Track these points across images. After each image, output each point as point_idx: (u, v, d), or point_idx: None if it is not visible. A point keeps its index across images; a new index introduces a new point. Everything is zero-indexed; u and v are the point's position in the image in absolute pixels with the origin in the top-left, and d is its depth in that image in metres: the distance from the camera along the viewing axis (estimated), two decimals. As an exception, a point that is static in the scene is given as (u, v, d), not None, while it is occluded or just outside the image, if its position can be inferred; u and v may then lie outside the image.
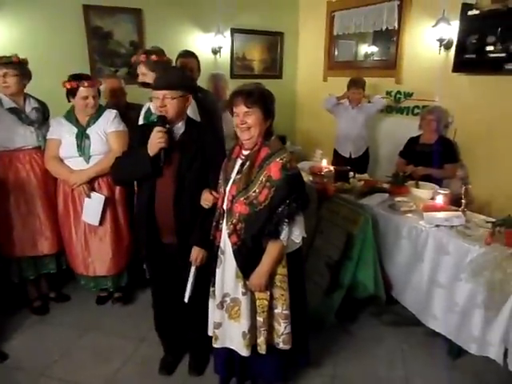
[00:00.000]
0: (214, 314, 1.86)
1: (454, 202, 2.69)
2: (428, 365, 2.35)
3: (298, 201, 1.62)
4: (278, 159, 1.63)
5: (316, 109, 5.07)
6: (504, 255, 1.94)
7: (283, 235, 1.62)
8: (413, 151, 3.54)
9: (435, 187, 2.85)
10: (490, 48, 3.19)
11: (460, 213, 2.35)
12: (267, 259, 1.65)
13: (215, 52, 4.82)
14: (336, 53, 4.97)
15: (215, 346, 1.87)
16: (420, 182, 2.94)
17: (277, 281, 1.72)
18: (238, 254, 1.67)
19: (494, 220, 2.08)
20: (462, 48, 3.35)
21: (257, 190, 1.63)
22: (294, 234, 1.67)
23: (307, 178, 3.27)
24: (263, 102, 1.68)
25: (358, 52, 4.80)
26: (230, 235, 1.69)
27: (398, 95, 4.12)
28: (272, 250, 1.65)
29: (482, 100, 3.38)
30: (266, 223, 1.60)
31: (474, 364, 2.28)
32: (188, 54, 2.91)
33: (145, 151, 1.79)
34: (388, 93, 4.21)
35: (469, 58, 3.29)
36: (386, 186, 2.94)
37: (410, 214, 2.51)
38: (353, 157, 4.04)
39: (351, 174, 3.21)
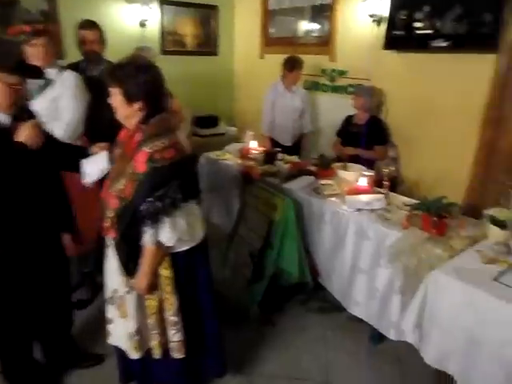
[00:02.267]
0: (107, 308, 1.67)
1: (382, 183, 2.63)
2: (350, 352, 2.30)
3: (165, 199, 1.38)
4: (146, 148, 1.39)
5: (253, 88, 4.88)
6: (419, 240, 1.87)
7: (147, 238, 1.42)
8: (347, 131, 3.47)
9: (362, 169, 2.76)
10: (417, 24, 3.12)
11: (381, 196, 2.27)
12: (142, 260, 1.45)
13: (142, 25, 4.44)
14: (273, 29, 4.75)
15: (108, 341, 1.71)
16: (348, 164, 2.84)
17: (161, 283, 1.53)
18: (117, 249, 1.46)
19: (411, 203, 2.00)
20: (392, 24, 3.25)
21: (124, 183, 1.41)
22: (164, 237, 1.45)
23: (235, 161, 3.10)
24: (124, 81, 1.40)
25: (295, 28, 4.61)
26: (108, 229, 1.47)
27: (333, 73, 4.00)
28: (144, 251, 1.45)
29: (412, 78, 3.33)
30: (130, 221, 1.38)
31: (396, 349, 2.25)
32: (87, 25, 2.57)
33: None
34: (323, 71, 4.08)
35: (398, 35, 3.21)
36: (314, 168, 2.82)
37: (333, 198, 2.40)
38: (291, 141, 3.86)
39: (279, 156, 3.06)
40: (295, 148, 3.81)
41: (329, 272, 2.48)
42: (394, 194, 2.47)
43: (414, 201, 2.36)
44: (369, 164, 3.30)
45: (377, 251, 2.09)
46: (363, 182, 2.39)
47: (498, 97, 2.70)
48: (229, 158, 3.21)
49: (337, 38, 3.89)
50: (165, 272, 1.52)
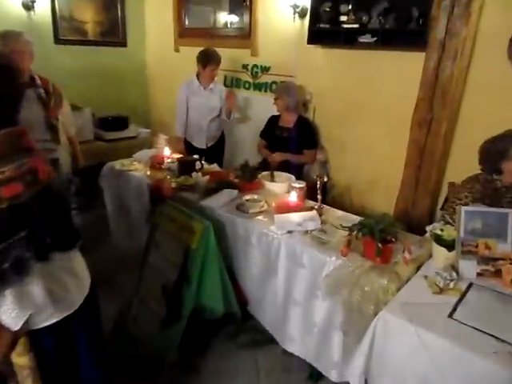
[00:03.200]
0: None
1: (313, 189, 2.35)
2: (287, 396, 1.97)
3: (3, 262, 0.91)
4: None
5: (169, 84, 4.35)
6: (362, 269, 1.59)
7: None
8: (273, 134, 3.15)
9: (291, 178, 2.45)
10: (343, 18, 2.88)
11: (315, 214, 1.96)
12: None
13: (28, 7, 3.69)
14: (188, 19, 4.28)
15: None
16: (275, 173, 2.51)
17: (18, 374, 1.04)
18: None
19: (349, 225, 1.72)
20: (315, 17, 2.97)
21: None
22: (5, 318, 0.99)
23: (145, 172, 2.61)
24: None
25: (212, 18, 4.19)
26: None
27: (255, 69, 3.65)
28: None
29: (339, 76, 3.10)
30: None
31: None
32: None
33: None
34: (244, 66, 3.71)
35: (323, 28, 2.94)
36: (237, 179, 2.44)
37: (260, 217, 2.05)
38: (208, 145, 3.45)
39: (198, 164, 2.64)
40: (213, 152, 3.41)
41: (259, 301, 2.13)
42: (328, 208, 2.19)
43: (350, 216, 2.10)
44: (298, 169, 3.04)
45: (313, 281, 1.78)
46: (293, 197, 2.06)
47: (426, 97, 2.54)
48: (137, 168, 2.71)
49: (258, 31, 3.55)
50: (20, 360, 1.04)
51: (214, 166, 2.79)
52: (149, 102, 4.84)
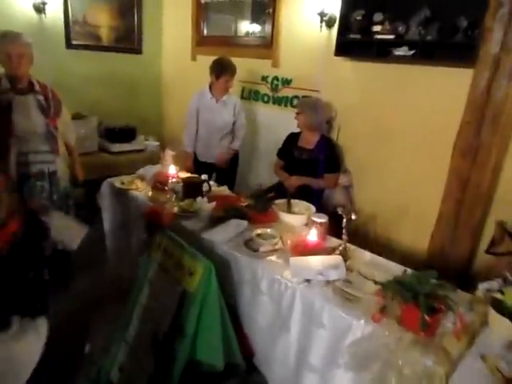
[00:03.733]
0: None
1: (336, 218, 2.02)
2: None
3: None
4: None
5: (184, 94, 4.08)
6: (400, 343, 1.23)
7: None
8: (290, 154, 2.83)
9: (311, 209, 2.11)
10: (376, 28, 2.55)
11: (339, 259, 1.61)
12: None
13: (39, 10, 3.50)
14: (207, 26, 4.03)
15: None
16: (293, 201, 2.18)
17: None
18: None
19: (383, 280, 1.36)
20: (345, 26, 2.65)
21: None
22: None
23: (146, 192, 2.32)
24: None
25: (232, 26, 3.93)
26: None
27: (275, 82, 3.35)
28: None
29: (369, 92, 2.76)
30: None
31: None
32: None
33: None
34: (264, 78, 3.42)
35: (353, 39, 2.62)
36: (247, 207, 2.11)
37: (273, 257, 1.71)
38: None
39: (206, 186, 2.33)
40: (224, 170, 3.11)
41: (267, 357, 1.78)
42: (354, 248, 1.83)
43: (381, 262, 1.74)
44: (317, 194, 2.71)
45: (334, 346, 1.43)
46: (313, 236, 1.72)
47: (474, 120, 2.18)
48: (138, 187, 2.42)
49: (280, 40, 3.25)
50: None
51: (224, 189, 2.47)
52: (162, 113, 4.59)
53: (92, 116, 3.38)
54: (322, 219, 1.80)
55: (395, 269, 1.66)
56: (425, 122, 2.50)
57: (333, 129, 2.98)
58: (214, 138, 3.04)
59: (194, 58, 4.09)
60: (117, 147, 3.38)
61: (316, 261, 1.59)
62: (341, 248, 1.71)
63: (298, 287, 1.52)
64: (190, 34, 4.06)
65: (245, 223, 1.92)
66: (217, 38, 3.92)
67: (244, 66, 3.47)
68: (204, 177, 2.50)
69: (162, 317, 1.72)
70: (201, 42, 4.02)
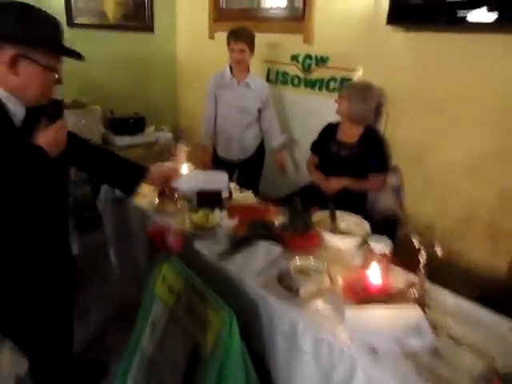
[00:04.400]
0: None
1: (383, 227, 1.54)
2: None
3: None
4: None
5: (203, 78, 3.58)
6: None
7: None
8: (327, 149, 2.32)
9: (363, 225, 1.60)
10: (444, -13, 1.98)
11: (419, 314, 1.11)
12: None
13: (35, -18, 3.04)
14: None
15: None
16: (338, 214, 1.67)
17: None
18: None
19: (497, 367, 0.87)
20: (401, -13, 2.09)
21: None
22: None
23: (152, 200, 1.87)
24: None
25: (255, -2, 3.39)
26: None
27: (308, 61, 2.81)
28: None
29: (429, 71, 2.20)
30: None
31: None
32: None
33: None
34: (294, 57, 2.88)
35: (413, 3, 2.05)
36: (279, 221, 1.63)
37: (319, 303, 1.23)
38: (240, 158, 2.67)
39: (225, 194, 1.85)
40: (248, 169, 2.64)
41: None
42: (433, 288, 1.31)
43: (472, 308, 1.23)
44: (359, 199, 2.22)
45: None
46: (376, 277, 1.22)
47: None
48: (143, 192, 1.96)
49: (314, 10, 2.69)
50: None
51: (248, 195, 1.98)
52: (177, 99, 4.10)
53: (95, 104, 2.92)
54: (385, 247, 1.30)
55: (494, 323, 1.16)
56: (505, 106, 1.93)
57: (380, 118, 2.44)
58: (236, 129, 2.55)
59: (211, 36, 3.57)
60: (123, 140, 2.92)
61: (385, 317, 1.09)
62: (415, 291, 1.21)
63: (360, 359, 1.04)
64: (207, 8, 3.54)
65: (277, 250, 1.44)
66: (237, 12, 3.39)
67: (270, 43, 2.96)
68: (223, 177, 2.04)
69: (168, 375, 1.28)
70: (219, 17, 3.50)
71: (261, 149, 2.70)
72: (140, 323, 1.47)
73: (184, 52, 3.95)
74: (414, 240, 1.19)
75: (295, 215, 1.46)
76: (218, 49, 3.42)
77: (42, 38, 1.10)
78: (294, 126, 2.96)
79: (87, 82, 3.27)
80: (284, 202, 1.76)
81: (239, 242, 1.50)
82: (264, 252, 1.44)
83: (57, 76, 1.18)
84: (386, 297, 1.20)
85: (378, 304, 1.17)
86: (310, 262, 1.35)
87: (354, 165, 2.20)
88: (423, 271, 1.19)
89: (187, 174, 1.98)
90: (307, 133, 2.68)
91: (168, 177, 1.68)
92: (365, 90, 2.12)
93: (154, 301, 1.43)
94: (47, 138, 1.15)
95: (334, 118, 2.36)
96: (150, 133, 3.08)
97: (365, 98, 2.08)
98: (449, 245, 2.29)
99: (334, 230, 1.57)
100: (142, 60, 3.72)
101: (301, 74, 2.86)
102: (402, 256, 1.40)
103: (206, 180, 1.85)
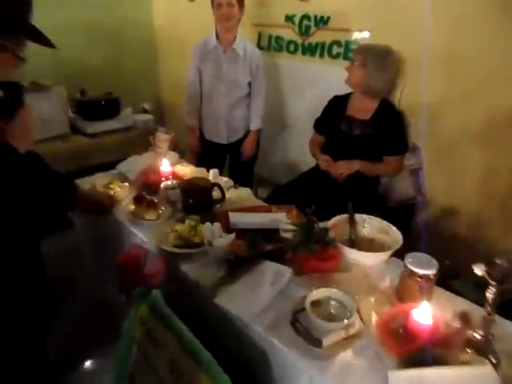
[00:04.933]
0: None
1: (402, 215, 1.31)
2: None
3: None
4: None
5: (185, 45, 3.14)
6: None
7: None
8: (334, 127, 1.97)
9: (390, 230, 1.28)
10: None
11: (490, 372, 0.80)
12: None
13: None
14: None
15: None
16: (359, 218, 1.34)
17: None
18: None
19: None
20: None
21: None
22: None
23: (127, 205, 1.53)
24: None
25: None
26: None
27: (306, 22, 2.39)
28: None
29: (458, 29, 1.83)
30: None
31: None
32: None
33: None
34: (289, 18, 2.46)
35: None
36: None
37: (348, 354, 0.92)
38: (231, 141, 2.31)
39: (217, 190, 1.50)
40: (239, 152, 2.30)
41: None
42: (501, 323, 1.00)
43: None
44: (372, 184, 1.91)
45: None
46: (426, 316, 0.91)
47: None
48: (118, 195, 1.61)
49: (312, -41, 2.26)
50: None
51: (245, 192, 1.64)
52: (157, 72, 3.66)
53: (59, 85, 2.48)
54: (430, 269, 0.98)
55: None
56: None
57: (395, 88, 2.07)
58: (223, 107, 2.19)
59: (191, -2, 3.10)
60: (95, 126, 2.50)
61: (440, 373, 0.78)
62: (481, 337, 0.90)
63: None
64: (185, -36, 3.05)
65: (287, 273, 1.11)
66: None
67: (260, 1, 2.53)
68: (214, 172, 1.70)
69: None
70: (199, -26, 3.01)
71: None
72: (117, 369, 1.16)
73: (162, 17, 3.48)
74: (475, 269, 0.87)
75: (311, 233, 1.12)
76: (199, 13, 2.97)
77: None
78: (291, 101, 2.58)
79: (48, 58, 2.80)
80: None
81: (236, 263, 1.17)
82: (270, 278, 1.11)
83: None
84: (436, 343, 0.89)
85: (429, 354, 0.86)
86: (333, 290, 1.03)
87: (367, 145, 1.88)
88: (491, 308, 0.87)
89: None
90: (308, 108, 2.33)
91: (101, 205, 1.46)
92: (384, 56, 1.75)
93: (132, 344, 1.12)
94: (13, 132, 1.00)
95: (339, 89, 2.01)
96: (126, 116, 2.66)
97: (384, 66, 1.72)
98: (474, 230, 2.02)
99: (351, 230, 1.25)
100: (113, 29, 3.24)
101: (298, 39, 2.45)
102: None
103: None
